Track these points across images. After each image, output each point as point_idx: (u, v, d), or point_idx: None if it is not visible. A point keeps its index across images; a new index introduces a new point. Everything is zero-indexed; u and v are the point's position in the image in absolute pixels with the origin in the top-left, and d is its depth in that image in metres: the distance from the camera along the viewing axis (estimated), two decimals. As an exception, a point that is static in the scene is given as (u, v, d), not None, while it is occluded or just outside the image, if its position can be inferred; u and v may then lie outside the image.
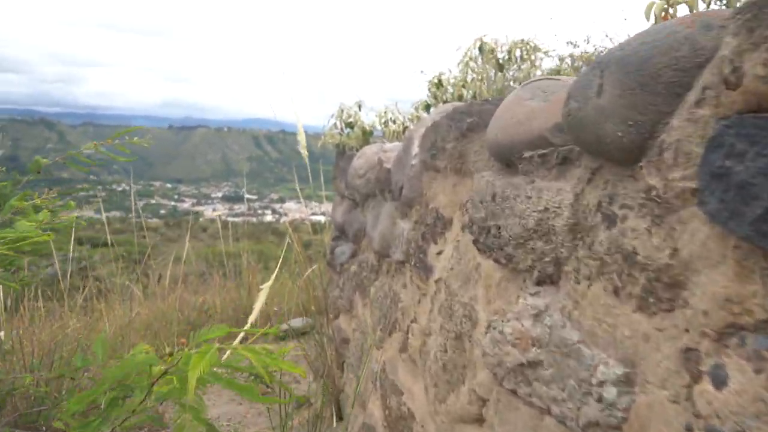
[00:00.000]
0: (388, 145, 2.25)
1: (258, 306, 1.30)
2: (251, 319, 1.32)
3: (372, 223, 2.30)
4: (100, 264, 6.28)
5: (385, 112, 2.94)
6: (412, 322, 1.70)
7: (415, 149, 1.80)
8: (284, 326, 4.84)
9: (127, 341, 3.73)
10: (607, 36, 2.86)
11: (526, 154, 1.08)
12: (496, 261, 1.15)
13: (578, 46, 3.07)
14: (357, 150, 3.01)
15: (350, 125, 2.97)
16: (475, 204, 1.27)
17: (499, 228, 1.12)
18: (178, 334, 4.29)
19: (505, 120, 1.16)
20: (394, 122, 2.95)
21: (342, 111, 3.00)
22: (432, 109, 2.87)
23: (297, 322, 4.76)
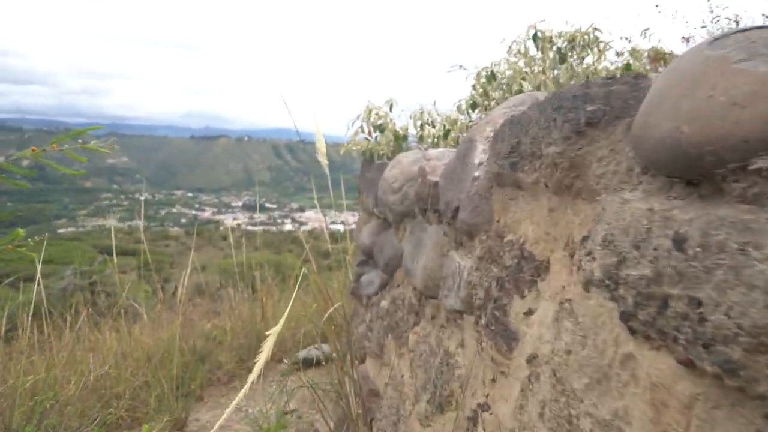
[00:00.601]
0: (432, 152, 1.73)
1: (265, 355, 1.13)
2: (254, 373, 1.09)
3: (411, 251, 1.78)
4: (112, 277, 6.10)
5: (422, 113, 2.42)
6: (482, 409, 1.16)
7: (479, 156, 1.28)
8: (301, 354, 4.34)
9: (122, 377, 3.24)
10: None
11: (756, 164, 0.55)
12: (687, 364, 0.61)
13: (631, 41, 2.79)
14: (388, 158, 2.50)
15: (380, 128, 2.46)
16: (612, 247, 0.74)
17: (698, 304, 0.58)
18: (181, 365, 3.79)
19: (692, 102, 0.63)
20: (433, 125, 2.43)
21: (369, 111, 2.48)
22: (488, 108, 2.35)
23: (313, 352, 4.27)
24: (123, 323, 3.98)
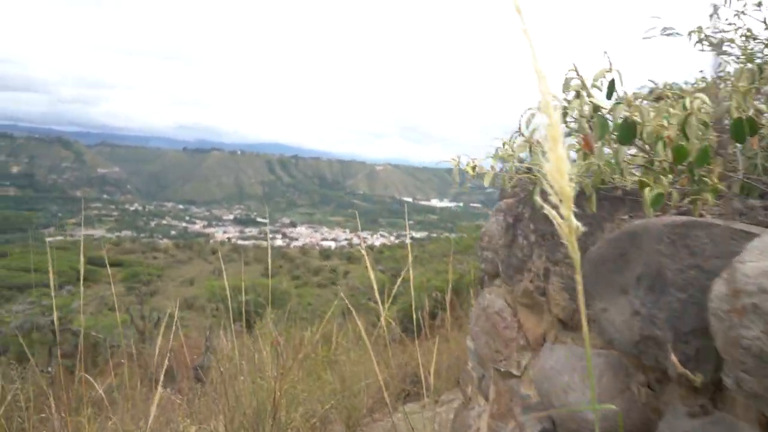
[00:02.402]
0: None
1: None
2: None
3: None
4: (80, 311, 4.91)
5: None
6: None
7: None
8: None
9: None
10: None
11: None
12: None
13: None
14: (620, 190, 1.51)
15: (628, 130, 1.38)
16: None
17: None
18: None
19: None
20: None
21: (579, 92, 1.48)
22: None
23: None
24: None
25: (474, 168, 1.77)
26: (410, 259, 2.23)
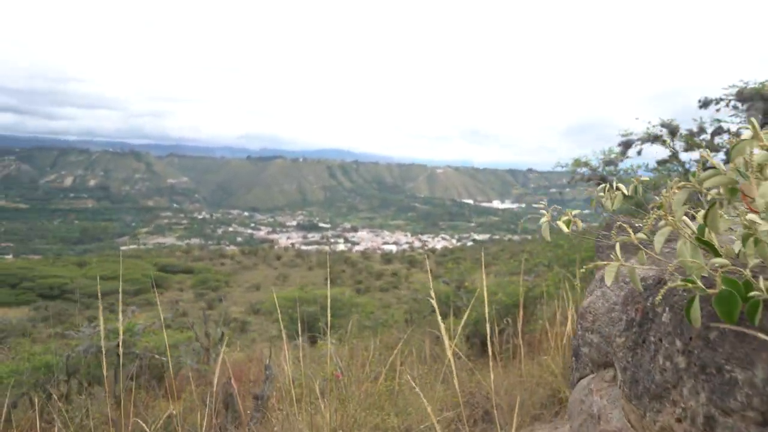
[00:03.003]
0: None
1: None
2: None
3: None
4: (147, 334, 4.85)
5: None
6: None
7: None
8: None
9: None
10: None
11: None
12: None
13: None
14: None
15: None
16: None
17: None
18: None
19: None
20: None
21: None
22: None
23: None
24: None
25: (568, 223, 1.49)
26: (484, 279, 1.95)
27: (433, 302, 1.81)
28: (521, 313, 2.74)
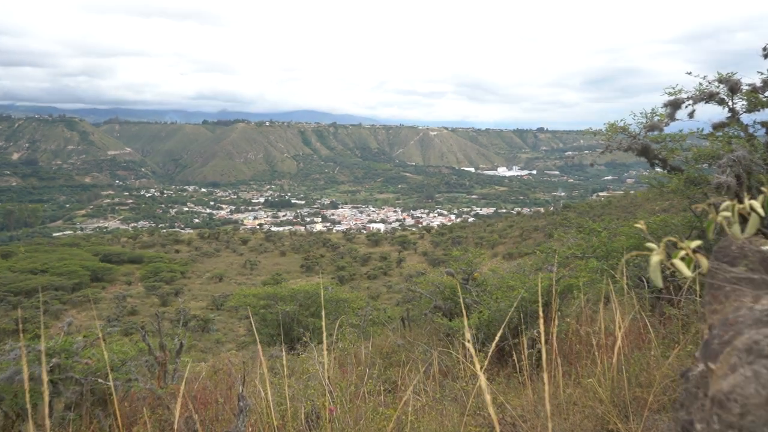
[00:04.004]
0: None
1: None
2: None
3: None
4: (88, 349, 4.54)
5: None
6: None
7: None
8: None
9: None
10: None
11: None
12: None
13: None
14: None
15: None
16: None
17: None
18: None
19: None
20: None
21: None
22: None
23: None
24: None
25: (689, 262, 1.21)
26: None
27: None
28: (553, 313, 2.60)
